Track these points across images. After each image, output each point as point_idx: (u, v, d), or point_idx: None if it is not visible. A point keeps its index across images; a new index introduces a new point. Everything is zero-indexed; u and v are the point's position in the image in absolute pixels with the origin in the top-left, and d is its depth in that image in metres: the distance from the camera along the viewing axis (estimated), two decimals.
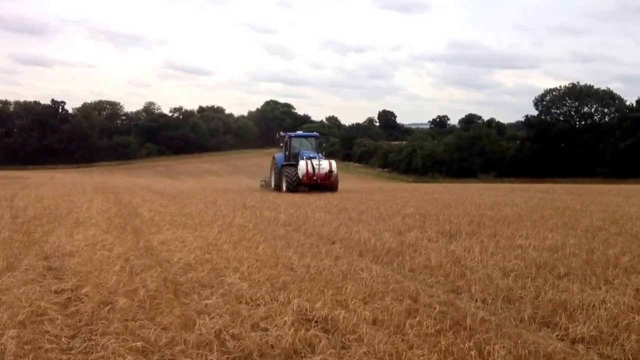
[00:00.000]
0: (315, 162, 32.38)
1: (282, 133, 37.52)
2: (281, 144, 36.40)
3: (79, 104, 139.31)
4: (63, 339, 5.97)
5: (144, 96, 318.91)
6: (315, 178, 32.12)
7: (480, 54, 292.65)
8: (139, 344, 5.72)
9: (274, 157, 36.72)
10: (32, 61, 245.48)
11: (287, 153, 35.09)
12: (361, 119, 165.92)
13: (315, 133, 40.93)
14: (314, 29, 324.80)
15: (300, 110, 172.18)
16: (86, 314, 6.73)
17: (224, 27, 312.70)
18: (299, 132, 40.21)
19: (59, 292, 7.74)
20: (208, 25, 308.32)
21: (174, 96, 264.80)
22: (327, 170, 32.51)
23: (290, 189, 32.06)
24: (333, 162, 33.72)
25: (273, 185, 35.79)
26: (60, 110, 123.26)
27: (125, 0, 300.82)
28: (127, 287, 7.75)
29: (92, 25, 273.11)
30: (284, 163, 34.46)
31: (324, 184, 32.50)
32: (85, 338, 5.99)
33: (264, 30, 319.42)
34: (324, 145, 38.63)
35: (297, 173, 32.41)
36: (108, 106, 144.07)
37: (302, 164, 32.30)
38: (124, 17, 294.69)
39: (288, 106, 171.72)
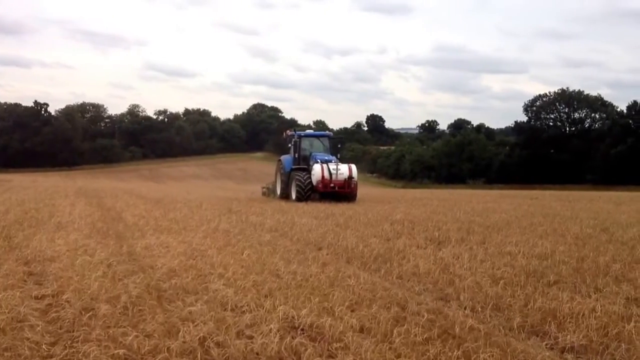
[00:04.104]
0: (332, 166, 28.24)
1: (289, 132, 33.33)
2: (289, 145, 31.75)
3: (60, 106, 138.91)
4: (43, 346, 5.84)
5: (126, 98, 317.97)
6: (332, 185, 27.96)
7: (466, 58, 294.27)
8: (121, 351, 5.61)
9: (279, 159, 32.14)
10: (9, 62, 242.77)
11: (296, 155, 30.61)
12: (349, 123, 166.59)
13: (328, 132, 37.16)
14: (297, 30, 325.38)
15: (287, 114, 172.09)
16: (67, 320, 6.60)
17: (203, 27, 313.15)
18: (310, 131, 35.17)
19: (39, 298, 7.62)
20: (187, 26, 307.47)
21: (157, 98, 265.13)
22: (346, 177, 28.31)
23: (301, 197, 27.89)
24: (353, 167, 29.33)
25: (279, 193, 31.18)
26: (42, 112, 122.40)
27: (103, 0, 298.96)
28: (109, 293, 7.62)
29: (69, 25, 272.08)
30: (293, 167, 30.08)
31: (341, 192, 28.30)
32: (66, 345, 5.86)
33: (245, 32, 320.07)
34: (339, 146, 32.94)
35: (309, 179, 28.32)
36: (91, 108, 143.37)
37: (317, 168, 28.21)
38: (101, 17, 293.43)
39: (275, 110, 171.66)
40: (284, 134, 34.12)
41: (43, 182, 49.75)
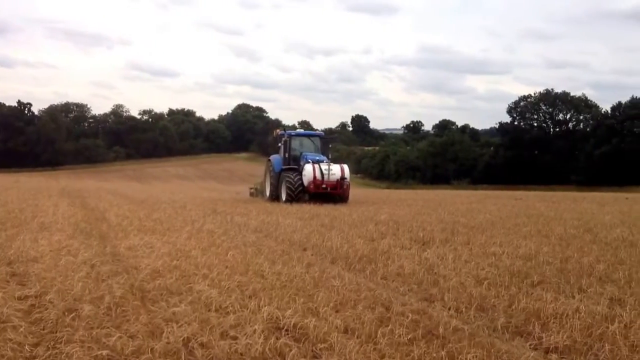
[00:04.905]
0: (323, 166, 27.47)
1: (279, 131, 32.29)
2: (279, 144, 30.64)
3: (43, 106, 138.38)
4: (26, 347, 5.79)
5: (109, 98, 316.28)
6: (324, 186, 27.22)
7: (451, 58, 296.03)
8: (104, 352, 5.57)
9: (269, 159, 30.84)
10: None
11: (286, 155, 29.55)
12: (334, 124, 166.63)
13: (319, 132, 36.36)
14: (280, 30, 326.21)
15: (271, 114, 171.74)
16: (50, 321, 6.54)
17: (187, 27, 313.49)
18: (300, 131, 34.54)
19: (22, 299, 7.53)
20: (171, 26, 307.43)
21: (141, 98, 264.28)
22: (338, 177, 27.61)
23: (292, 199, 27.05)
24: (345, 167, 28.63)
25: (268, 194, 30.05)
26: (26, 112, 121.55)
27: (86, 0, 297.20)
28: (92, 294, 7.57)
29: (52, 24, 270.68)
30: (283, 167, 29.04)
31: (334, 194, 27.60)
32: (49, 346, 5.81)
33: (229, 32, 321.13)
34: (330, 146, 31.85)
35: (300, 179, 27.49)
36: (75, 108, 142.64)
37: (308, 168, 27.38)
38: (84, 16, 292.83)
39: (260, 110, 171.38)
40: (274, 133, 33.27)
41: (26, 183, 49.36)
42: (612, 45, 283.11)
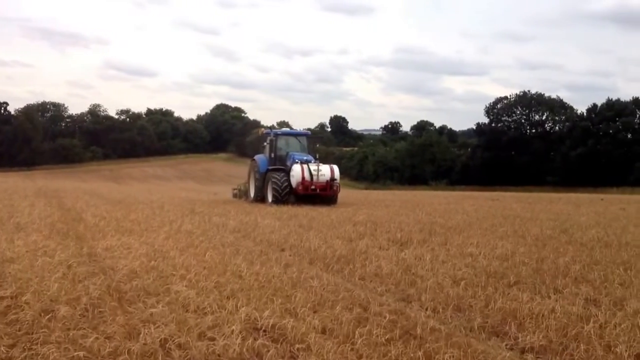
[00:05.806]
0: (312, 167, 26.68)
1: (265, 130, 31.56)
2: (264, 144, 29.77)
3: (19, 105, 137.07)
4: (2, 348, 5.74)
5: (86, 97, 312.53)
6: (313, 187, 26.41)
7: (427, 59, 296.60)
8: (81, 353, 5.53)
9: (253, 159, 29.96)
10: None
11: (272, 155, 28.67)
12: (312, 124, 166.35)
13: (306, 131, 35.05)
14: (257, 30, 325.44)
15: (250, 115, 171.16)
16: (26, 322, 6.49)
17: (164, 26, 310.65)
18: (286, 130, 33.90)
19: None
20: (148, 25, 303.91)
21: (118, 98, 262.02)
22: (328, 178, 26.82)
23: (278, 200, 26.11)
24: (335, 168, 27.85)
25: (253, 195, 29.13)
26: (2, 111, 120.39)
27: None
28: (69, 295, 7.51)
29: (26, 23, 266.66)
30: (269, 167, 28.11)
31: (323, 195, 26.84)
32: (25, 347, 5.76)
33: (205, 31, 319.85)
34: (317, 146, 31.71)
35: (288, 180, 26.71)
36: (52, 108, 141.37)
37: (296, 169, 26.54)
38: (60, 15, 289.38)
39: (238, 110, 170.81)
40: (260, 132, 32.44)
41: (2, 183, 48.86)
42: (586, 46, 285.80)
